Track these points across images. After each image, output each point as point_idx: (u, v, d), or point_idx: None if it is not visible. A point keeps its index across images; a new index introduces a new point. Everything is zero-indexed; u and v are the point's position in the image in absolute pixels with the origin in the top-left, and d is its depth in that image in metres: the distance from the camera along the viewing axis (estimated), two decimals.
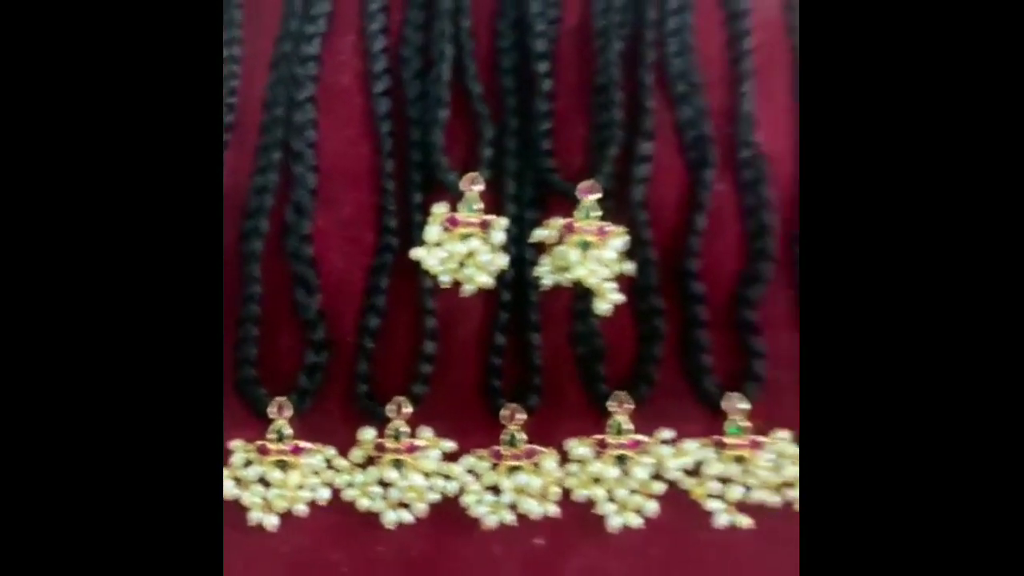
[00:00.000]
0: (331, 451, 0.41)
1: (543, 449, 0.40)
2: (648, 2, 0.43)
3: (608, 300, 0.41)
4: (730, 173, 0.42)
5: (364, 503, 0.40)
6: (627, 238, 0.41)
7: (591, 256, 0.41)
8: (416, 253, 0.41)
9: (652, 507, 0.40)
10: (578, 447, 0.40)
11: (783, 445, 0.40)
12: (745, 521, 0.40)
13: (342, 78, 0.44)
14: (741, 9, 0.44)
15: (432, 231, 0.41)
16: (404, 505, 0.40)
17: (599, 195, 0.41)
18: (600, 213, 0.41)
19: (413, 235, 0.42)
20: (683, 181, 0.43)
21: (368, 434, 0.40)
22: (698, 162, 0.42)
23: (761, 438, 0.40)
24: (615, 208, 0.42)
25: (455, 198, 0.41)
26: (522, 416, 0.40)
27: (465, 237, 0.41)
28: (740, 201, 0.42)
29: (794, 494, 0.39)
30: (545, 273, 0.41)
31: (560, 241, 0.41)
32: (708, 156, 0.42)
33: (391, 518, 0.40)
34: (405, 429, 0.40)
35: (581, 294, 0.41)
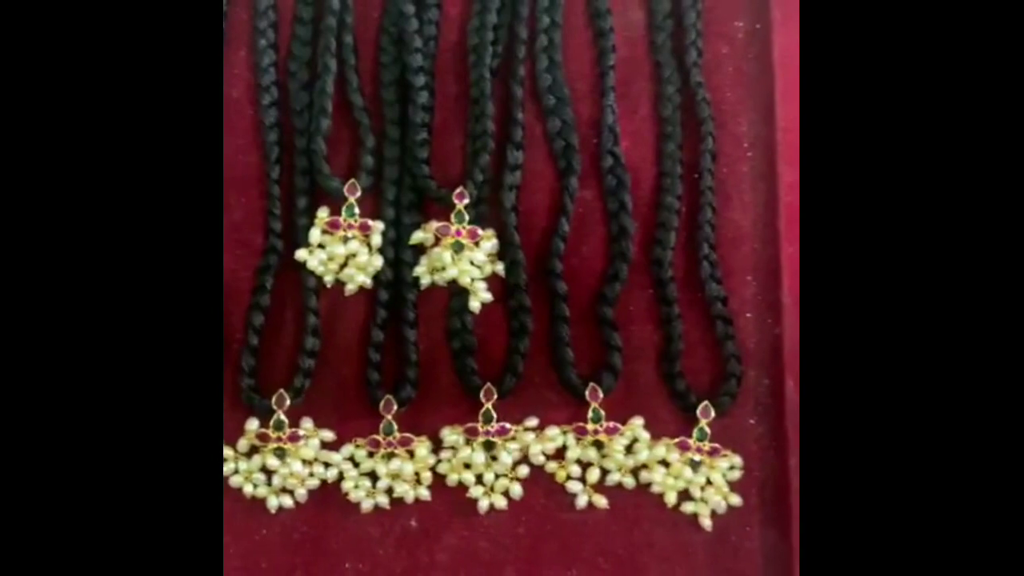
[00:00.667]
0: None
1: (417, 438, 0.43)
2: (520, 21, 0.46)
3: (479, 298, 0.44)
4: (595, 180, 0.46)
5: (249, 489, 0.43)
6: (497, 241, 0.44)
7: (464, 257, 0.44)
8: (300, 254, 0.44)
9: (517, 490, 0.43)
10: (450, 435, 0.43)
11: (637, 430, 0.43)
12: (602, 501, 0.43)
13: (233, 91, 0.47)
14: (607, 27, 0.47)
15: (315, 233, 0.44)
16: (287, 491, 0.43)
17: (471, 200, 0.44)
18: (473, 217, 0.44)
19: (298, 238, 0.45)
20: (551, 187, 0.46)
21: (252, 424, 0.43)
22: (565, 170, 0.45)
23: (617, 424, 0.43)
24: (487, 213, 0.45)
25: (337, 203, 0.44)
26: (398, 407, 0.43)
27: (346, 240, 0.44)
28: (604, 207, 0.46)
29: (648, 475, 0.43)
30: (422, 273, 0.44)
31: (436, 244, 0.44)
32: (574, 164, 0.45)
33: (274, 503, 0.43)
34: (287, 421, 0.43)
35: (455, 293, 0.44)
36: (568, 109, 0.46)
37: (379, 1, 0.47)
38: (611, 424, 0.43)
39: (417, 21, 0.46)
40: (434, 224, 0.44)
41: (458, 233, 0.44)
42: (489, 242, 0.44)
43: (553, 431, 0.43)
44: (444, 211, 0.44)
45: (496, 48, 0.46)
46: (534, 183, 0.46)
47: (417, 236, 0.44)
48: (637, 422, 0.43)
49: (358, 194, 0.44)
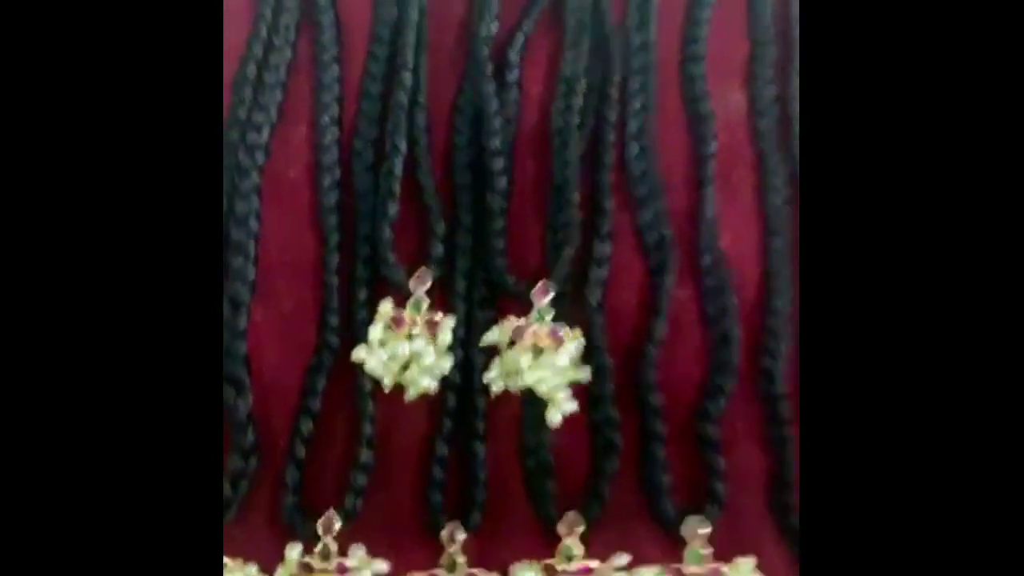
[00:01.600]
0: (253, 569, 0.37)
1: (486, 573, 0.37)
2: (609, 103, 0.42)
3: (560, 409, 0.38)
4: (692, 279, 0.41)
5: None
6: (582, 343, 0.39)
7: (543, 362, 0.38)
8: (357, 353, 0.39)
9: None
10: (526, 572, 0.37)
11: (746, 574, 0.36)
12: None
13: (291, 170, 0.43)
14: (705, 112, 0.43)
15: (376, 330, 0.39)
16: None
17: (553, 296, 0.39)
18: (554, 315, 0.39)
19: (356, 334, 0.39)
20: (642, 285, 0.41)
21: (295, 551, 0.37)
22: (658, 266, 0.40)
23: (723, 566, 0.36)
24: (570, 312, 0.40)
25: (402, 296, 0.39)
26: (463, 535, 0.37)
27: (410, 338, 0.39)
28: (702, 308, 0.40)
29: None
30: (495, 379, 0.39)
31: (511, 345, 0.39)
32: (668, 260, 0.40)
33: None
34: (335, 547, 0.37)
35: (531, 402, 0.39)
36: (662, 199, 0.41)
37: (455, 79, 0.44)
38: (714, 566, 0.36)
39: (497, 101, 0.42)
40: (510, 324, 0.39)
41: (537, 334, 0.38)
42: (573, 345, 0.39)
43: (648, 572, 0.37)
44: (518, 308, 0.39)
45: (582, 132, 0.42)
46: (622, 280, 0.41)
47: (490, 337, 0.39)
48: (746, 564, 0.37)
49: (427, 286, 0.39)
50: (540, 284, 0.39)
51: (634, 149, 0.42)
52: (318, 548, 0.36)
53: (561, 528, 0.36)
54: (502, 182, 0.41)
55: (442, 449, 0.38)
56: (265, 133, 0.42)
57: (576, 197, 0.40)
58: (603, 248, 0.40)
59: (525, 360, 0.38)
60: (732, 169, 0.42)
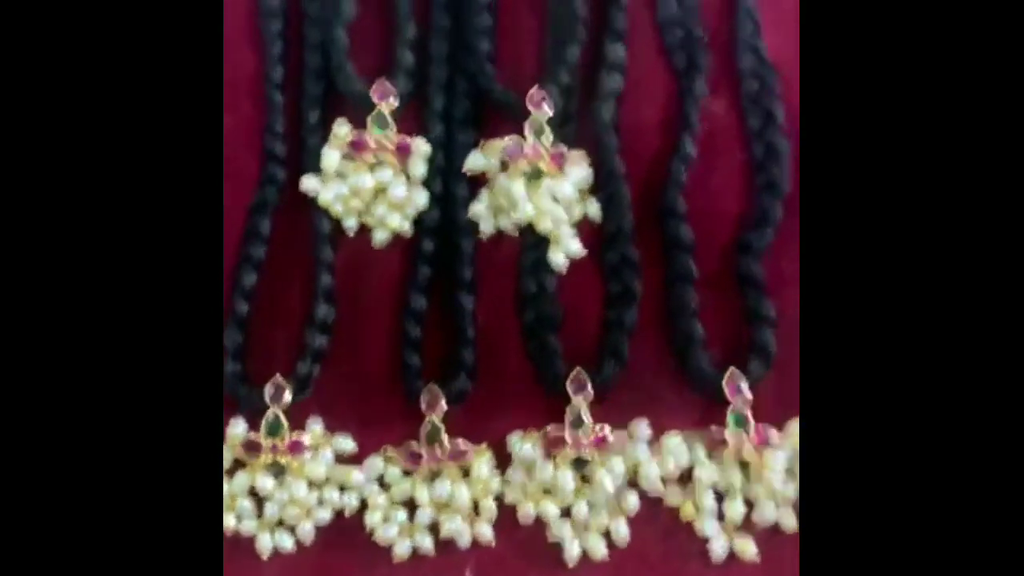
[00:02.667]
0: None
1: (474, 447, 0.30)
2: None
3: (565, 250, 0.31)
4: (727, 86, 0.32)
5: (230, 522, 0.29)
6: (590, 168, 0.31)
7: (544, 191, 0.31)
8: (308, 185, 0.31)
9: (623, 530, 0.29)
10: (522, 444, 0.30)
11: (797, 438, 0.29)
12: (750, 549, 0.29)
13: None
14: None
15: (331, 157, 0.31)
16: (286, 526, 0.29)
17: (553, 111, 0.31)
18: (554, 135, 0.31)
19: (306, 163, 0.32)
20: (666, 95, 0.33)
21: (238, 428, 0.30)
22: (686, 69, 0.32)
23: (773, 431, 0.29)
24: (575, 130, 0.32)
25: (363, 115, 0.32)
26: (447, 403, 0.30)
27: (375, 166, 0.31)
28: (741, 122, 0.32)
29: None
30: (482, 214, 0.31)
31: (502, 171, 0.31)
32: (698, 62, 0.32)
33: (266, 543, 0.29)
34: (287, 421, 0.30)
35: (530, 243, 0.31)
36: None
37: None
38: (762, 431, 0.29)
39: None
40: (500, 143, 0.31)
41: (535, 154, 0.31)
42: (579, 169, 0.31)
43: (674, 441, 0.29)
44: (514, 125, 0.31)
45: None
46: (641, 90, 0.33)
47: (475, 161, 0.31)
48: (797, 427, 0.29)
49: (393, 103, 0.31)
50: (534, 90, 0.31)
51: None
52: (264, 422, 0.29)
53: (569, 390, 0.29)
54: None
55: (418, 301, 0.31)
56: None
57: None
58: (616, 49, 0.32)
59: (519, 188, 0.30)
60: None
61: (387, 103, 0.31)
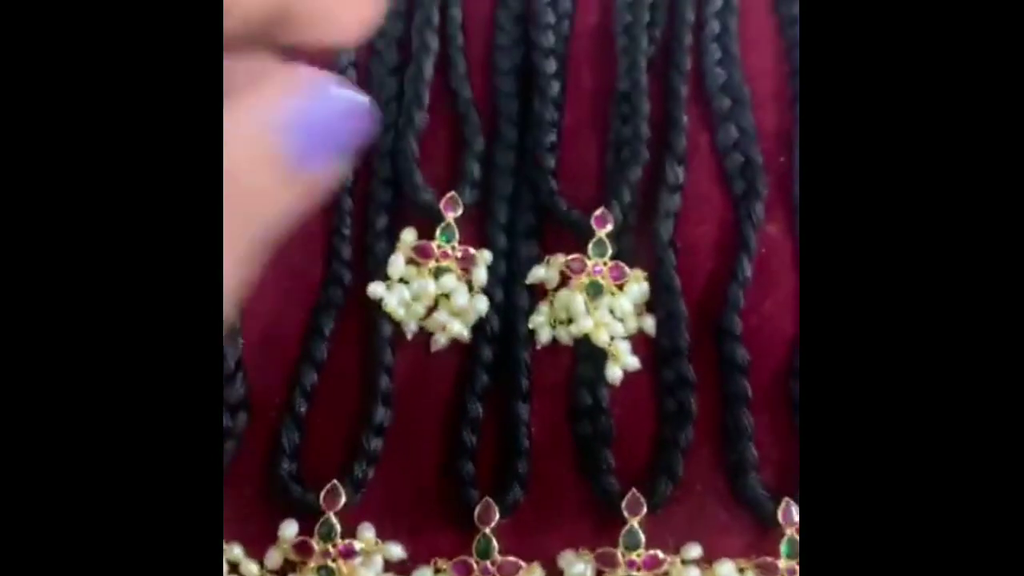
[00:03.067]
0: (238, 550, 0.30)
1: (526, 565, 0.29)
2: (685, 0, 0.35)
3: (622, 364, 0.31)
4: (783, 211, 0.33)
5: None
6: (648, 285, 0.32)
7: (602, 305, 0.31)
8: (374, 290, 0.32)
9: None
10: (575, 563, 0.29)
11: None
12: None
13: None
14: (797, 14, 0.35)
15: (396, 263, 0.32)
16: None
17: (615, 228, 0.32)
18: (615, 251, 0.32)
19: (372, 268, 0.32)
20: (724, 217, 0.33)
21: (290, 530, 0.30)
22: (745, 194, 0.33)
23: None
24: (635, 247, 0.32)
25: (428, 223, 0.32)
26: (498, 516, 0.30)
27: (439, 273, 0.32)
28: (795, 247, 0.33)
29: None
30: (541, 325, 0.32)
31: (562, 284, 0.32)
32: (757, 187, 0.33)
33: None
34: (339, 526, 0.29)
35: (586, 355, 0.32)
36: (748, 114, 0.34)
37: None
38: None
39: None
40: (561, 258, 0.32)
41: (596, 271, 0.31)
42: (638, 286, 0.32)
43: (726, 568, 0.29)
44: (575, 242, 0.32)
45: (653, 32, 0.35)
46: (698, 210, 0.33)
47: (537, 273, 0.32)
48: None
49: (459, 213, 0.32)
50: (599, 211, 0.32)
51: (715, 53, 0.35)
52: (319, 526, 0.29)
53: (624, 509, 0.29)
54: (554, 87, 0.34)
55: (475, 409, 0.31)
56: None
57: (646, 106, 0.33)
58: (676, 171, 0.33)
59: (579, 303, 0.31)
60: None
61: (454, 214, 0.32)
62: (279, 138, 0.19)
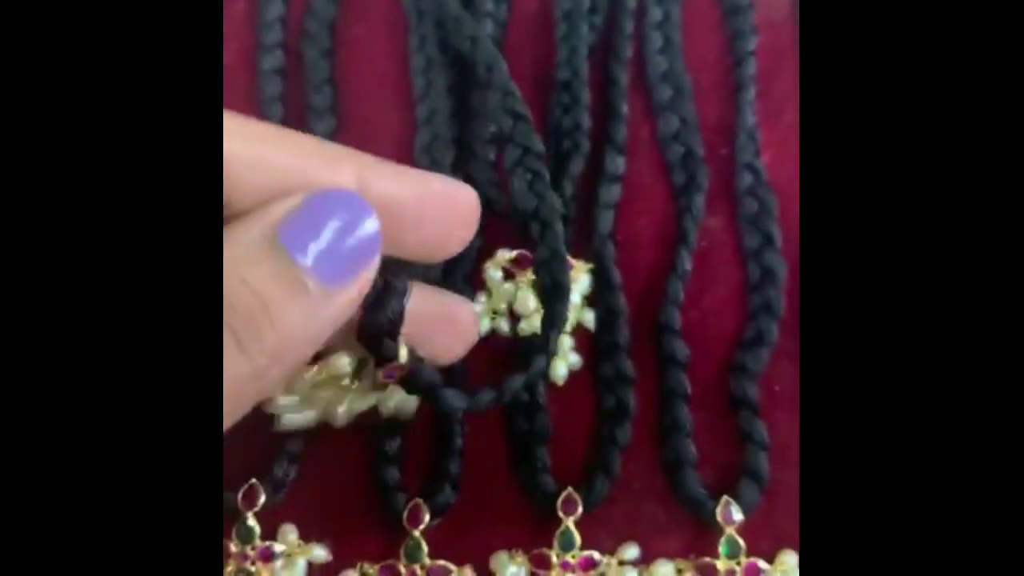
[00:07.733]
0: None
1: (457, 568, 0.28)
2: None
3: (567, 362, 0.30)
4: (725, 204, 0.33)
5: None
6: (591, 276, 0.31)
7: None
8: None
9: None
10: (508, 565, 0.28)
11: (793, 571, 0.28)
12: None
13: (224, 54, 0.34)
14: (742, 4, 0.35)
15: None
16: None
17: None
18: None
19: None
20: (664, 210, 0.33)
21: None
22: (685, 186, 0.32)
23: (762, 563, 0.28)
24: (571, 239, 0.31)
25: None
26: (430, 519, 0.28)
27: None
28: (738, 241, 0.32)
29: None
30: (480, 315, 0.30)
31: (507, 279, 0.31)
32: (698, 179, 0.32)
33: None
34: (259, 528, 0.28)
35: (522, 350, 0.30)
36: (690, 105, 0.33)
37: None
38: (752, 561, 0.28)
39: None
40: (506, 253, 0.31)
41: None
42: (584, 277, 0.31)
43: (665, 568, 0.28)
44: (512, 235, 0.31)
45: (593, 20, 0.34)
46: (638, 203, 0.33)
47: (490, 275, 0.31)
48: (790, 559, 0.29)
49: None
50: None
51: (656, 41, 0.34)
52: (236, 528, 0.28)
53: (559, 509, 0.28)
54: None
55: None
56: None
57: (586, 96, 0.32)
58: (616, 162, 0.32)
59: (531, 300, 0.30)
60: (773, 75, 0.34)
61: None
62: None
